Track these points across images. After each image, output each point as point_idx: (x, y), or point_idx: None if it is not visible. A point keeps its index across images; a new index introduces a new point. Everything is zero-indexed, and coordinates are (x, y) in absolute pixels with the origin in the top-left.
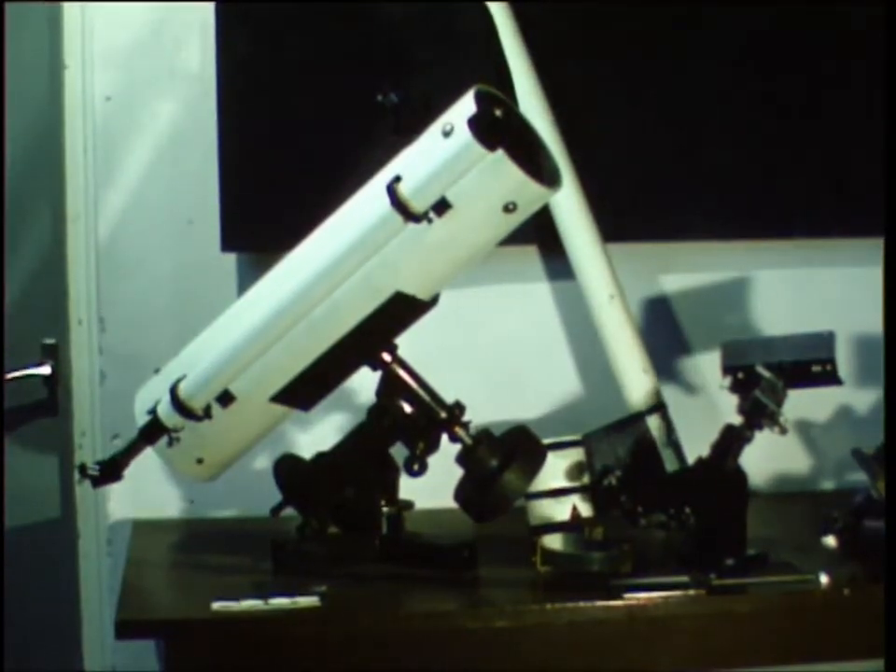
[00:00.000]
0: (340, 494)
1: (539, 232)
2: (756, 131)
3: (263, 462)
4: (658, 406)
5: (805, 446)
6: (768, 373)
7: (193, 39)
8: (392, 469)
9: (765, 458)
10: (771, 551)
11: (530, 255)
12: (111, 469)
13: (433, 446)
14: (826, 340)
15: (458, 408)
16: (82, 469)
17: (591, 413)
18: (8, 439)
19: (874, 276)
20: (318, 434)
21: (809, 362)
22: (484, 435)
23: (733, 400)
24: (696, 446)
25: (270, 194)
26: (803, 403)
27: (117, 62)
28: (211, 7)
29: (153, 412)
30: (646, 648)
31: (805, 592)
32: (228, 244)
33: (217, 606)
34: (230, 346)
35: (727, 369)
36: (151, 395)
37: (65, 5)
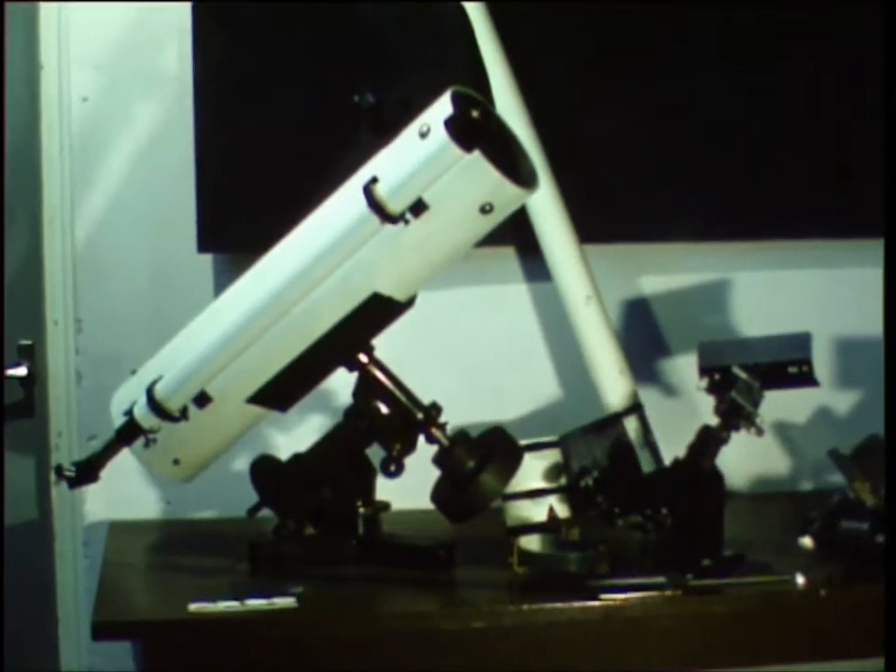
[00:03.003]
0: (316, 495)
1: (517, 234)
2: (733, 132)
3: (240, 463)
4: (635, 407)
5: (784, 447)
6: (745, 374)
7: (170, 40)
8: (369, 470)
9: (744, 459)
10: (748, 551)
11: (508, 256)
12: (87, 470)
13: (410, 447)
14: (802, 341)
15: (435, 409)
16: (58, 470)
17: (568, 414)
18: None
19: (851, 278)
20: (296, 435)
21: (785, 363)
22: (461, 436)
23: (709, 401)
24: (673, 447)
25: (246, 195)
26: (781, 404)
27: (93, 63)
28: (188, 7)
29: (129, 413)
30: (622, 648)
31: (782, 592)
32: (204, 245)
33: (193, 607)
34: (206, 347)
35: (704, 370)
36: (128, 396)
37: (42, 5)
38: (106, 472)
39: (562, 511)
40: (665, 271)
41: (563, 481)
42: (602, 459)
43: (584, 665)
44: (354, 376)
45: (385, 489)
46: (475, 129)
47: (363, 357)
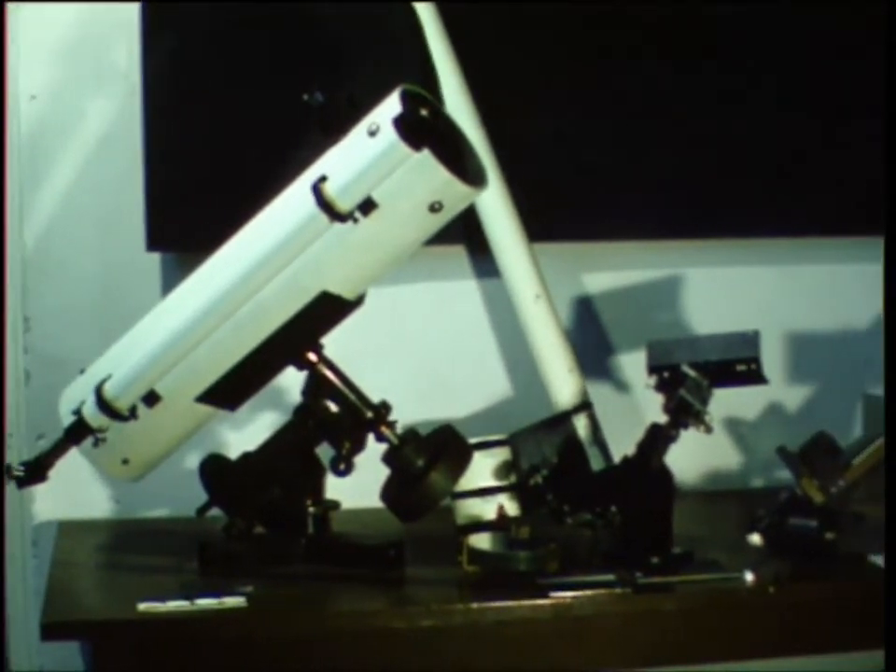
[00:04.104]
0: (266, 494)
1: (467, 232)
2: (683, 131)
3: (190, 462)
4: (584, 405)
5: (735, 444)
6: (693, 372)
7: (120, 38)
8: (318, 468)
9: (695, 456)
10: (698, 549)
11: (458, 254)
12: (36, 470)
13: (359, 446)
14: (751, 339)
15: (384, 407)
16: (7, 469)
17: (517, 412)
18: None
19: (801, 275)
20: (247, 433)
21: (734, 361)
22: (411, 434)
23: (659, 399)
24: (622, 445)
25: (195, 194)
26: (732, 401)
27: (42, 60)
28: (137, 7)
29: (78, 412)
30: (572, 646)
31: (731, 590)
32: (153, 243)
33: (143, 606)
34: (155, 346)
35: (652, 368)
36: (76, 395)
37: None
38: (55, 472)
39: (512, 509)
40: (614, 269)
41: (513, 479)
42: (552, 457)
43: (534, 664)
44: (305, 374)
45: (334, 488)
46: (424, 127)
47: (312, 356)
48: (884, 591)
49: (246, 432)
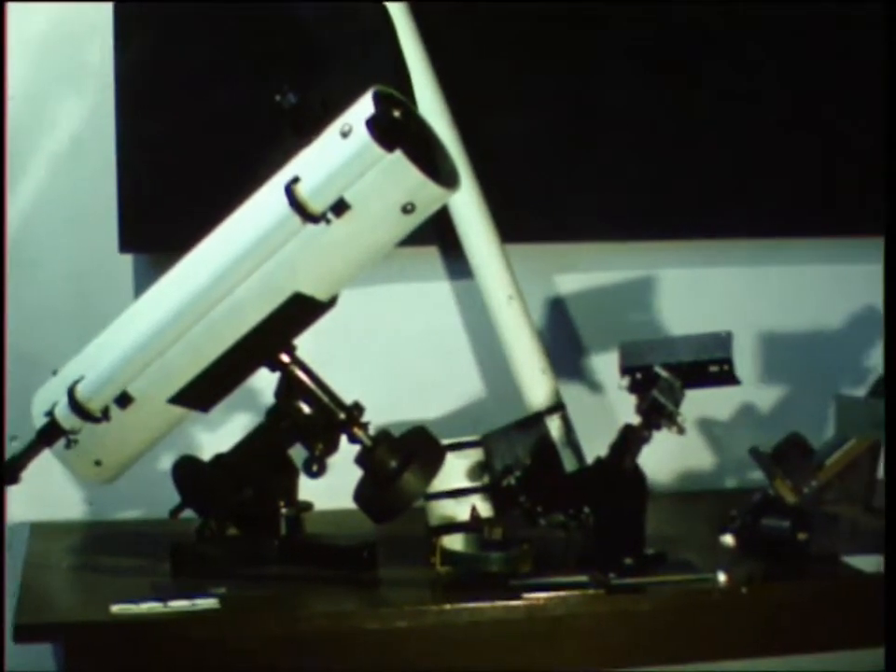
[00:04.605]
0: (238, 495)
1: (440, 233)
2: (654, 132)
3: (163, 464)
4: (557, 406)
5: (708, 445)
6: (666, 373)
7: (93, 38)
8: (291, 470)
9: (668, 457)
10: (671, 550)
11: (431, 255)
12: (9, 472)
13: (332, 447)
14: (723, 340)
15: (357, 409)
16: None
17: (490, 413)
18: None
19: (774, 276)
20: (220, 434)
21: (707, 362)
22: (384, 436)
23: (631, 400)
24: (595, 446)
25: (168, 194)
26: (705, 402)
27: (14, 60)
28: (110, 6)
29: (51, 413)
30: (545, 647)
31: (703, 590)
32: (125, 244)
33: (115, 608)
34: (128, 347)
35: (625, 369)
36: (49, 396)
37: None
38: (28, 473)
39: (485, 510)
40: (587, 270)
41: (486, 480)
42: (525, 458)
43: (507, 665)
44: (277, 375)
45: (307, 489)
46: (396, 128)
47: (285, 357)
48: (884, 591)
49: (219, 434)
